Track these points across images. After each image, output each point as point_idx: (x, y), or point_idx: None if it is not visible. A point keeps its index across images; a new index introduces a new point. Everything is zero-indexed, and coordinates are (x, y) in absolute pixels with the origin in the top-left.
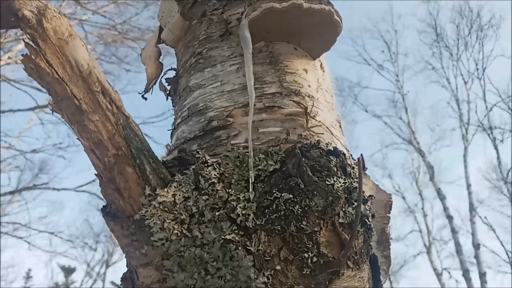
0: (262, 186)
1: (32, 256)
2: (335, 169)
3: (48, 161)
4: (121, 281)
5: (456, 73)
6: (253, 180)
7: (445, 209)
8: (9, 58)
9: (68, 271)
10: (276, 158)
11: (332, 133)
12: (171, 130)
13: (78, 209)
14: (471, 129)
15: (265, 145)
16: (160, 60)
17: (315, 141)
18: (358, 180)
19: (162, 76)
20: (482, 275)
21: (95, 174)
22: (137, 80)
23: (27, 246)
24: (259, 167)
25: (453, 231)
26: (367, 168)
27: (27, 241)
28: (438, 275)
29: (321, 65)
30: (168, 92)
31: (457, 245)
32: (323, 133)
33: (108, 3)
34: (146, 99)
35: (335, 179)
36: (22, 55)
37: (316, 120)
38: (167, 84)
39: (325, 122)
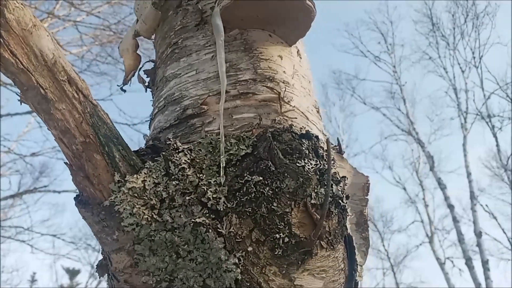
0: (234, 170)
1: (36, 260)
2: (307, 152)
3: (48, 164)
4: (96, 268)
5: (453, 62)
6: (224, 164)
7: (446, 198)
8: None
9: (72, 273)
10: (248, 142)
11: (307, 118)
12: (149, 121)
13: None
14: (469, 117)
15: (238, 131)
16: (137, 52)
17: (288, 126)
18: (332, 162)
19: (141, 68)
20: (484, 263)
21: (65, 163)
22: (133, 80)
23: (30, 250)
24: (231, 152)
25: (455, 220)
26: (344, 152)
27: (29, 244)
28: (441, 264)
29: (297, 52)
30: (147, 84)
31: (459, 234)
32: (296, 118)
33: (102, 4)
34: (125, 91)
35: (306, 161)
36: None
37: (290, 105)
38: (145, 76)
39: (300, 107)
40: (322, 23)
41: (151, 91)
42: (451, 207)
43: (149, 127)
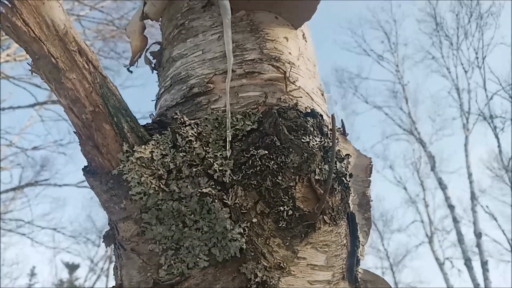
0: (240, 145)
1: (36, 253)
2: (312, 129)
3: (50, 158)
4: (103, 238)
5: (456, 62)
6: (230, 139)
7: (447, 198)
8: (8, 55)
9: (72, 267)
10: (253, 118)
11: (312, 99)
12: (155, 101)
13: (81, 205)
14: (472, 118)
15: (244, 108)
16: (144, 34)
17: (293, 104)
18: (336, 140)
19: (147, 50)
20: (484, 264)
21: (74, 132)
22: (136, 75)
23: (30, 243)
24: (237, 127)
25: (455, 221)
26: (348, 134)
27: (30, 237)
28: (441, 265)
29: (303, 35)
30: (153, 65)
31: (459, 234)
32: (301, 97)
33: None
34: (131, 72)
35: (311, 137)
36: None
37: (295, 85)
38: (152, 58)
39: (305, 88)
40: (325, 20)
41: (157, 73)
42: (451, 207)
43: (155, 107)
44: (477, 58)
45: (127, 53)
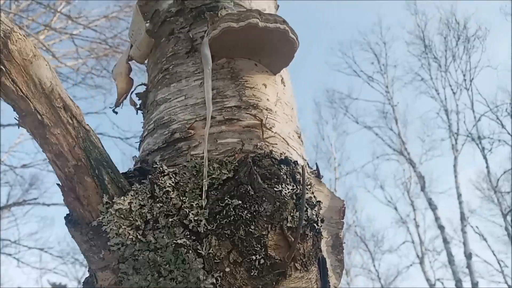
0: (215, 194)
1: (22, 274)
2: (285, 177)
3: (39, 176)
4: (83, 285)
5: (445, 84)
6: (206, 188)
7: (437, 219)
8: None
9: None
10: (230, 167)
11: (288, 143)
12: (138, 143)
13: None
14: (460, 139)
15: (222, 155)
16: (130, 76)
17: (268, 151)
18: (308, 188)
19: (133, 92)
20: (474, 285)
21: (57, 185)
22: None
23: (16, 263)
24: (213, 176)
25: (445, 241)
26: (322, 176)
27: (16, 258)
28: (432, 286)
29: (282, 80)
30: (138, 106)
31: (449, 255)
32: (277, 144)
33: (99, 18)
34: (117, 113)
35: (283, 185)
36: None
37: (271, 131)
38: (137, 98)
39: (281, 133)
40: (316, 42)
41: (142, 113)
42: (441, 228)
43: (139, 149)
44: (465, 80)
45: None
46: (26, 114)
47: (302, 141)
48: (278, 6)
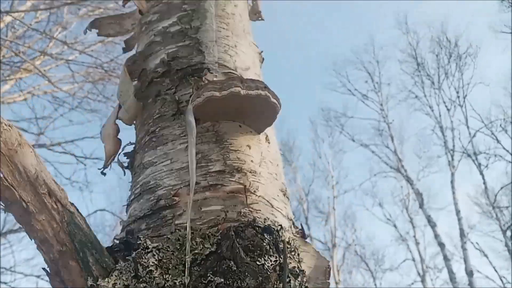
0: (198, 270)
1: None
2: (268, 247)
3: None
4: None
5: (439, 101)
6: (189, 265)
7: (436, 236)
8: None
9: None
10: (212, 240)
11: (272, 206)
12: (126, 206)
13: None
14: (456, 155)
15: (205, 225)
16: (118, 136)
17: (251, 219)
18: (292, 255)
19: (120, 153)
20: None
21: (43, 269)
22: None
23: None
24: (196, 251)
25: (446, 259)
26: (308, 236)
27: (12, 287)
28: None
29: (266, 138)
30: (126, 166)
31: (451, 272)
32: (260, 209)
33: (95, 43)
34: (105, 174)
35: (266, 258)
36: None
37: (256, 195)
38: (125, 157)
39: (266, 196)
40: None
41: (130, 172)
42: (441, 245)
43: (126, 212)
44: (458, 97)
45: (115, 97)
46: (11, 202)
47: (288, 198)
48: (263, 59)
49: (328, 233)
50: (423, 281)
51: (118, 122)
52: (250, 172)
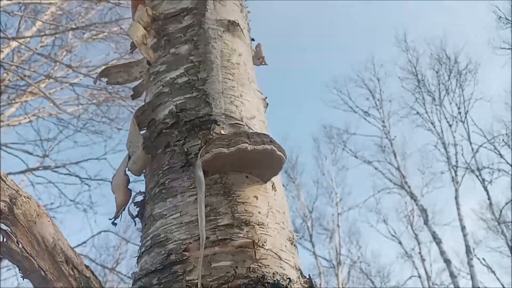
0: None
1: None
2: None
3: None
4: None
5: (440, 117)
6: None
7: (442, 253)
8: (1, 121)
9: None
10: None
11: (280, 258)
12: (137, 257)
13: None
14: (460, 170)
15: (215, 282)
16: (128, 187)
17: (261, 276)
18: None
19: (131, 203)
20: None
21: None
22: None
23: None
24: None
25: (452, 275)
26: (315, 285)
27: None
28: None
29: (272, 186)
30: (136, 215)
31: None
32: (269, 264)
33: (99, 66)
34: (116, 224)
35: None
36: None
37: (264, 249)
38: (135, 207)
39: (274, 248)
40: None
41: (141, 223)
42: (447, 262)
43: (137, 263)
44: (459, 112)
45: (119, 118)
46: (30, 272)
47: (295, 246)
48: (267, 104)
49: (333, 251)
50: None
51: (128, 172)
52: (258, 224)
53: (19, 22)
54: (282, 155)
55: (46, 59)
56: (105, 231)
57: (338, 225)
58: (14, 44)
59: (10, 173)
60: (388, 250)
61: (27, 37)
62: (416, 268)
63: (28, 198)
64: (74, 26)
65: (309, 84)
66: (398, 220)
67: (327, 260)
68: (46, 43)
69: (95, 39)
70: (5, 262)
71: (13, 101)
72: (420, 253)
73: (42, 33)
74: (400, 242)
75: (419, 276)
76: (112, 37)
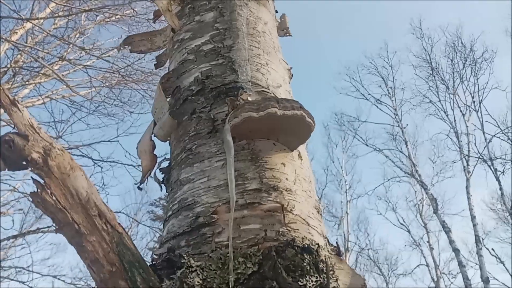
0: None
1: None
2: (308, 268)
3: None
4: None
5: (453, 106)
6: (232, 284)
7: (451, 242)
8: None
9: None
10: (254, 260)
11: (308, 224)
12: (163, 222)
13: None
14: (471, 160)
15: (245, 244)
16: (154, 152)
17: (291, 239)
18: (330, 274)
19: (157, 168)
20: None
21: None
22: (140, 122)
23: None
24: (239, 271)
25: (460, 265)
26: (342, 254)
27: (29, 286)
28: None
29: (299, 155)
30: (161, 181)
31: (466, 279)
32: (298, 229)
33: (112, 48)
34: (141, 189)
35: (307, 278)
36: (31, 193)
37: (292, 214)
38: (161, 173)
39: (302, 214)
40: (324, 66)
41: (165, 189)
42: (456, 251)
43: (163, 227)
44: (473, 101)
45: (132, 101)
46: (64, 224)
47: (321, 214)
48: (292, 75)
49: (341, 238)
50: (437, 286)
51: (153, 138)
52: (286, 190)
53: (33, 4)
54: (312, 122)
55: (60, 41)
56: (117, 212)
57: (347, 212)
58: (28, 25)
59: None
60: (396, 238)
61: (41, 18)
62: (424, 257)
63: (61, 150)
64: (87, 8)
65: (321, 71)
66: (407, 208)
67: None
68: (59, 25)
69: (108, 22)
70: (20, 240)
71: (27, 83)
72: (428, 242)
73: (56, 15)
74: (408, 231)
75: (427, 265)
76: (125, 20)
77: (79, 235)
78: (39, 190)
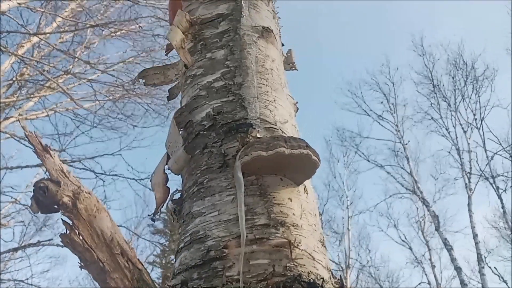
0: None
1: None
2: None
3: (53, 216)
4: None
5: (455, 123)
6: None
7: (453, 260)
8: (19, 115)
9: None
10: None
11: (313, 258)
12: (175, 253)
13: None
14: (473, 178)
15: (254, 279)
16: (167, 185)
17: (297, 275)
18: None
19: (170, 200)
20: None
21: None
22: (143, 136)
23: None
24: None
25: (462, 283)
26: (345, 287)
27: None
28: None
29: (305, 188)
30: (174, 211)
31: None
32: (304, 264)
33: (117, 63)
34: (154, 221)
35: None
36: (61, 234)
37: (299, 249)
38: (173, 205)
39: (308, 249)
40: (326, 82)
41: (177, 221)
42: (458, 269)
43: (175, 259)
44: (475, 119)
45: (135, 115)
46: (90, 263)
47: (325, 247)
48: (298, 108)
49: (342, 254)
50: None
51: (167, 171)
52: (293, 225)
53: (40, 18)
54: (317, 159)
55: (65, 55)
56: (118, 226)
57: (348, 229)
58: (35, 39)
59: (27, 166)
60: (398, 256)
61: (48, 33)
62: (425, 274)
63: (89, 193)
64: (93, 23)
65: (322, 86)
66: (409, 225)
67: (336, 263)
68: (65, 39)
69: (113, 37)
70: (17, 253)
71: (31, 95)
72: (430, 259)
73: (62, 30)
74: (410, 248)
75: (429, 283)
76: (130, 35)
77: (104, 273)
78: (68, 231)
